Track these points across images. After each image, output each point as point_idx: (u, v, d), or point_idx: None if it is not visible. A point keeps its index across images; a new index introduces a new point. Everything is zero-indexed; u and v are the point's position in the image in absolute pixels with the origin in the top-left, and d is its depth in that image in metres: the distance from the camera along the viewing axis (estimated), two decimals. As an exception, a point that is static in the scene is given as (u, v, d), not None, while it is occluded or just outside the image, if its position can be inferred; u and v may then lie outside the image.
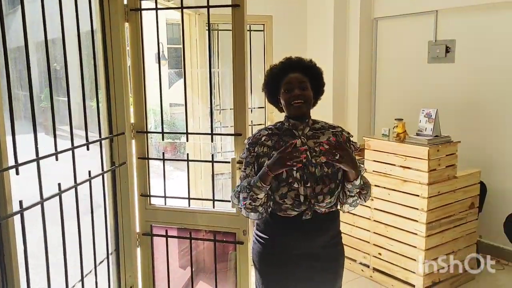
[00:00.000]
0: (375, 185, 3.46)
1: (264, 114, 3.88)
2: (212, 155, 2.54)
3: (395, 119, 3.46)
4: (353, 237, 3.72)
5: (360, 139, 4.71)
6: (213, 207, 2.52)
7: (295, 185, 1.79)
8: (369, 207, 3.55)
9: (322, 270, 1.91)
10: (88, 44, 2.25)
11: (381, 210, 3.49)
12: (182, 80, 3.99)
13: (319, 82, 1.93)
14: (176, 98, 6.59)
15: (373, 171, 3.48)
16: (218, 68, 3.85)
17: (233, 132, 2.41)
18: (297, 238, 1.87)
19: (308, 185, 1.80)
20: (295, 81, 1.85)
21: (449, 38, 4.09)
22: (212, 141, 2.48)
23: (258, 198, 1.79)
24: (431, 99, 4.15)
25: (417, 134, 3.31)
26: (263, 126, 4.00)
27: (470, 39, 3.94)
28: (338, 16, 4.66)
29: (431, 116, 3.26)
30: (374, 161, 3.49)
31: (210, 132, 2.46)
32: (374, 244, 3.59)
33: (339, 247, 2.00)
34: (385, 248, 3.51)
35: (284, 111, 1.94)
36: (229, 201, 2.50)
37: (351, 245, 3.73)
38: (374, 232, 3.57)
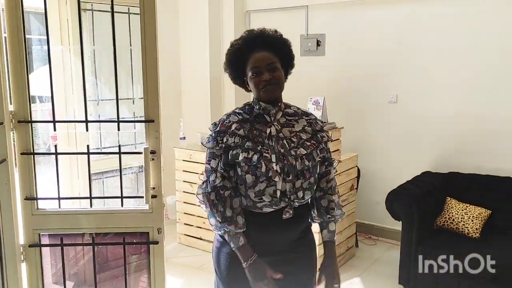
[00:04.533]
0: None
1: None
2: (119, 146, 2.21)
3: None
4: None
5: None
6: (122, 206, 2.21)
7: (276, 179, 1.61)
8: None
9: (298, 259, 1.77)
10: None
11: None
12: (45, 67, 3.47)
13: (288, 55, 1.75)
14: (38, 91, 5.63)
15: (265, 159, 3.49)
16: (94, 55, 3.43)
17: (143, 119, 2.14)
18: (274, 235, 1.70)
19: (290, 178, 1.64)
20: (263, 63, 1.66)
21: (319, 32, 4.33)
22: (118, 130, 2.16)
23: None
24: (306, 90, 4.34)
25: (307, 121, 3.43)
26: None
27: (339, 34, 4.24)
28: (213, 8, 4.57)
29: (319, 103, 3.41)
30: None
31: (116, 119, 2.14)
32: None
33: (311, 235, 1.87)
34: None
35: (252, 92, 1.75)
36: (138, 197, 2.25)
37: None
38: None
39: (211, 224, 1.72)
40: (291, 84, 4.40)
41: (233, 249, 1.67)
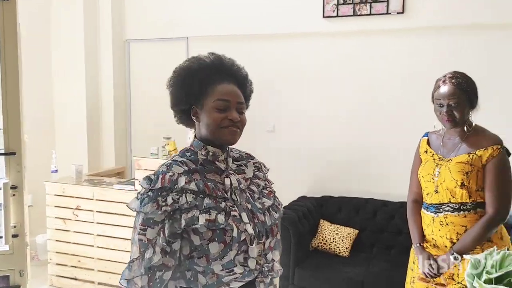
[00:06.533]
0: (148, 205, 3.42)
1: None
2: (-27, 181, 1.99)
3: (164, 138, 3.51)
4: (125, 263, 3.52)
5: (119, 163, 4.56)
6: (-24, 248, 1.98)
7: (252, 245, 1.26)
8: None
9: None
10: None
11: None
12: None
13: (248, 100, 1.47)
14: None
15: (145, 191, 3.41)
16: None
17: (3, 151, 1.97)
18: None
19: (262, 240, 1.30)
20: (234, 99, 1.32)
21: (200, 63, 4.41)
22: (-28, 164, 1.95)
23: None
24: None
25: (187, 151, 3.44)
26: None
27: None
28: (89, 35, 4.43)
29: (199, 133, 3.44)
30: (146, 180, 3.42)
31: (-31, 152, 1.94)
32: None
33: None
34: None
35: (189, 126, 1.40)
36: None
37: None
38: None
39: None
40: (171, 114, 4.42)
41: None
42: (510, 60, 3.44)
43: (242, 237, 1.24)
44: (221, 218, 1.22)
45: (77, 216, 3.61)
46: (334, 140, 4.01)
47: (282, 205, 1.45)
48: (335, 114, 4.00)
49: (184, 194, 1.22)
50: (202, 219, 1.21)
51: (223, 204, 1.25)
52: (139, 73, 4.66)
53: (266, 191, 1.40)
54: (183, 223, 1.20)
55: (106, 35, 4.53)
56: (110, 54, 4.53)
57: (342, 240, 3.44)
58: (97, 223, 3.56)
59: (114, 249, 3.54)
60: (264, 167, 1.50)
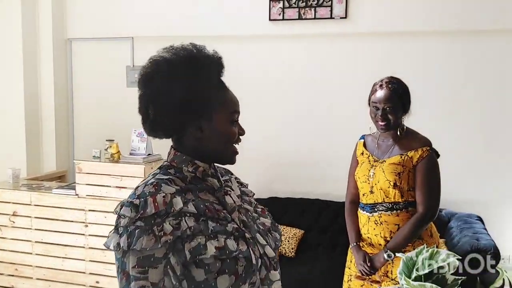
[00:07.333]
0: (90, 210, 3.32)
1: None
2: None
3: (107, 140, 3.41)
4: (64, 270, 3.41)
5: (61, 166, 4.39)
6: None
7: (275, 270, 1.10)
8: (83, 234, 3.35)
9: None
10: None
11: (97, 236, 3.34)
12: None
13: None
14: None
15: (87, 195, 3.31)
16: None
17: None
18: None
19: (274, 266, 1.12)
20: (239, 113, 1.16)
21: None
22: None
23: None
24: (130, 122, 4.25)
25: (131, 154, 3.37)
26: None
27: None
28: (27, 33, 4.23)
29: (143, 135, 3.37)
30: (88, 184, 3.32)
31: None
32: (90, 273, 3.39)
33: None
34: (103, 275, 3.37)
35: (162, 137, 1.15)
36: None
37: (62, 281, 3.42)
38: (90, 260, 3.38)
39: None
40: (115, 115, 4.33)
41: None
42: (445, 66, 3.62)
43: (259, 263, 1.04)
44: (231, 243, 1.00)
45: (14, 222, 3.45)
46: (280, 142, 4.05)
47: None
48: (280, 116, 4.04)
49: (183, 218, 0.98)
50: (211, 247, 0.97)
51: (229, 227, 1.03)
52: (81, 73, 4.52)
53: (259, 209, 1.21)
54: (187, 255, 0.96)
55: (46, 33, 4.34)
56: (50, 53, 4.35)
57: (288, 241, 3.48)
58: (35, 229, 3.42)
59: (53, 256, 3.41)
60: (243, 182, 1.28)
